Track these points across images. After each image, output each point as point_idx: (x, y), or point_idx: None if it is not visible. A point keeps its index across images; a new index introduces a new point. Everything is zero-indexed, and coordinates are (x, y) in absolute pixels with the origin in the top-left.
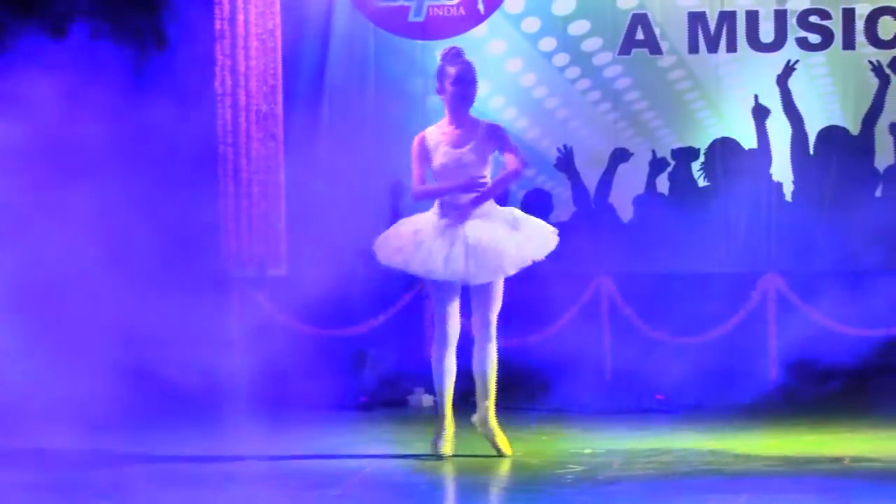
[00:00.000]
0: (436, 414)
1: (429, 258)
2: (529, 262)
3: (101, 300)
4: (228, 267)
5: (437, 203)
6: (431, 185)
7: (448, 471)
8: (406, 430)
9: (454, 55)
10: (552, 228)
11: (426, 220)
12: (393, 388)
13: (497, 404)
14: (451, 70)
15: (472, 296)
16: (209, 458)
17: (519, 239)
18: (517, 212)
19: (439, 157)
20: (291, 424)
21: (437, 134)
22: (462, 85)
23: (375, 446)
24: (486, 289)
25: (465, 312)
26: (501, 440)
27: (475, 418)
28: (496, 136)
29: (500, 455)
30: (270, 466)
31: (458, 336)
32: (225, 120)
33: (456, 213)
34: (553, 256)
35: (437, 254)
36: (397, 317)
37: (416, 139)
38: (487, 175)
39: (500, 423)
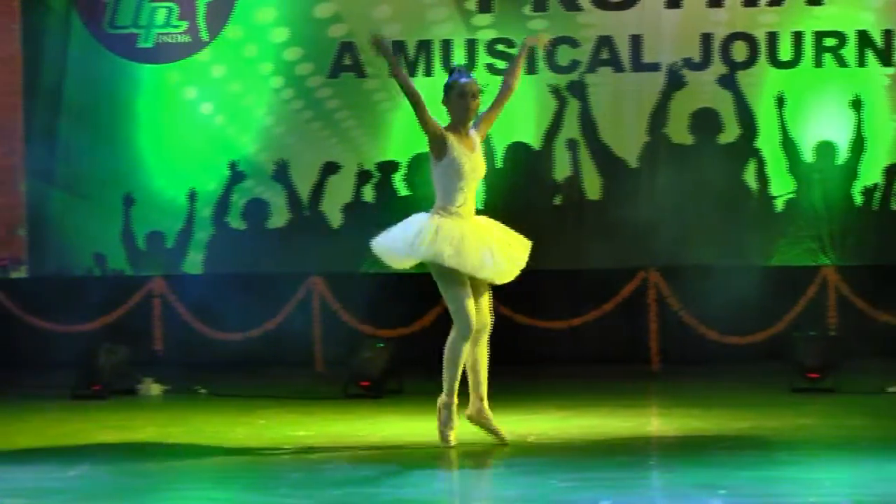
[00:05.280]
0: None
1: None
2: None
3: None
4: None
5: (439, 207)
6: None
7: (175, 453)
8: (136, 416)
9: (460, 70)
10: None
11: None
12: (123, 378)
13: (222, 393)
14: (459, 84)
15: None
16: None
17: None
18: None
19: (462, 158)
20: (30, 414)
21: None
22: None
23: (108, 432)
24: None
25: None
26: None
27: (469, 412)
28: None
29: (502, 443)
30: (12, 453)
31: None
32: None
33: (457, 217)
34: (271, 258)
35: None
36: (128, 314)
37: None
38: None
39: (222, 407)
